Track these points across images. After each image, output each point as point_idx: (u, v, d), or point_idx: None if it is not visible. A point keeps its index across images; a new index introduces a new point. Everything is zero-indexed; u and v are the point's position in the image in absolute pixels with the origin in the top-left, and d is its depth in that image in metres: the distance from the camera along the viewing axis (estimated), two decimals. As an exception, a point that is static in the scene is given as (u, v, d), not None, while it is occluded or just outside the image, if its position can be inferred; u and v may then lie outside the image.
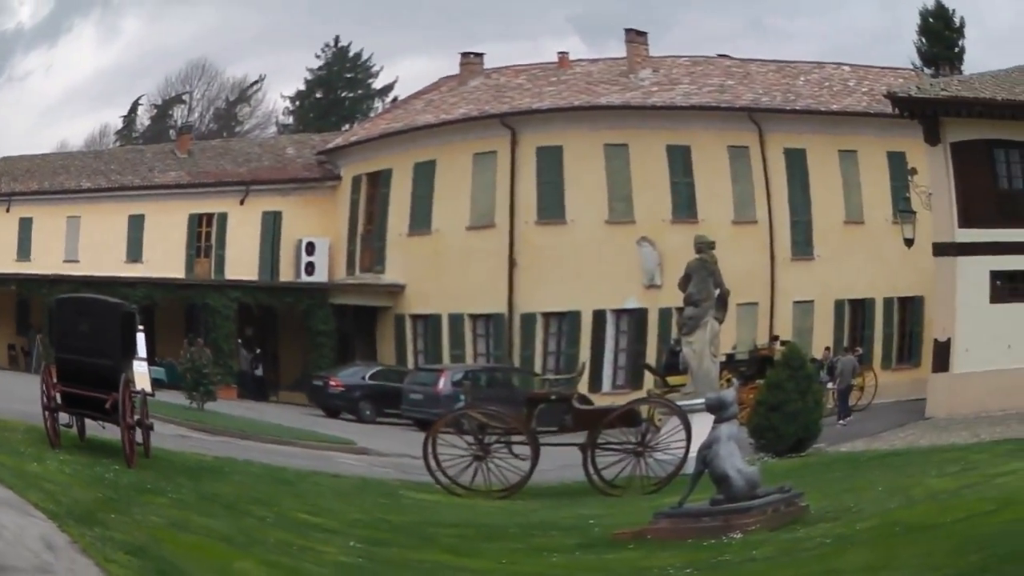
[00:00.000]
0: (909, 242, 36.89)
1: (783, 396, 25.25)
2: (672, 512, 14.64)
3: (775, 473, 19.17)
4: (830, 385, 35.23)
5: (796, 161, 43.51)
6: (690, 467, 16.24)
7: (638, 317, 43.18)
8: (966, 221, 35.97)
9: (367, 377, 41.97)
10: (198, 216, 49.08)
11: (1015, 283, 36.23)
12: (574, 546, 13.93)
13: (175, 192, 49.08)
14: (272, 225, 48.55)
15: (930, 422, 32.65)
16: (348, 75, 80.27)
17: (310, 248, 47.45)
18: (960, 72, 49.35)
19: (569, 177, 43.75)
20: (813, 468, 22.24)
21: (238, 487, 16.19)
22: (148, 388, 18.45)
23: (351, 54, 79.91)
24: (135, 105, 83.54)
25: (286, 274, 47.66)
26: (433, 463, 19.95)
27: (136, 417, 16.37)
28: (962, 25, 62.28)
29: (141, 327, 18.75)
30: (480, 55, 52.25)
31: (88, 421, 17.31)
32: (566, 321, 43.08)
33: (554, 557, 13.09)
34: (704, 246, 23.98)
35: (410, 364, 44.26)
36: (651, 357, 40.17)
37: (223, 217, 48.44)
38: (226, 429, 28.90)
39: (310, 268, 47.60)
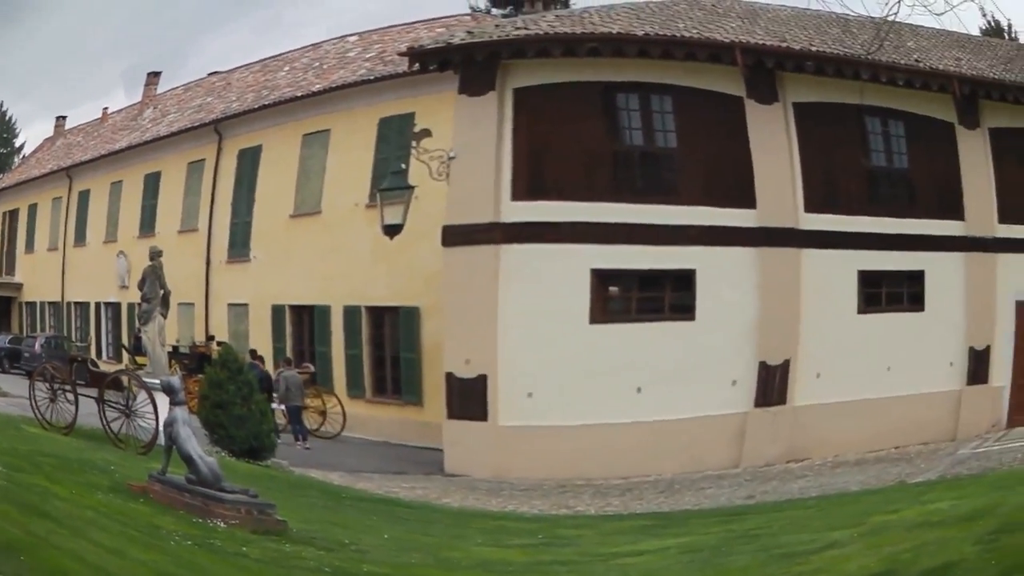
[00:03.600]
0: (392, 230, 28.39)
1: (226, 396, 25.37)
2: (159, 478, 15.95)
3: (239, 474, 19.91)
4: (274, 406, 30.73)
5: (249, 161, 44.08)
6: (163, 439, 17.49)
7: (116, 309, 53.99)
8: (533, 192, 28.43)
9: (7, 342, 56.43)
10: (-67, 235, 69.87)
11: (647, 291, 28.45)
12: (107, 487, 15.59)
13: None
14: (-33, 242, 69.03)
15: (461, 480, 26.74)
16: (4, 135, 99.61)
17: (-17, 260, 67.92)
18: (564, 6, 47.45)
19: (91, 213, 57.22)
20: (279, 484, 21.99)
21: (-58, 427, 20.24)
22: None
23: (6, 117, 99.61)
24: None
25: (-26, 276, 68.16)
26: (34, 403, 24.00)
27: None
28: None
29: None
30: (64, 118, 72.26)
31: None
32: (83, 308, 57.71)
33: (99, 495, 14.77)
34: (155, 254, 26.37)
35: (25, 333, 60.79)
36: (127, 339, 48.39)
37: (-56, 235, 69.06)
38: (-57, 386, 36.45)
39: (-16, 273, 67.87)
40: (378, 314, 36.69)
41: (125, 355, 42.60)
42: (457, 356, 27.88)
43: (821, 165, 28.28)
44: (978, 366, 29.10)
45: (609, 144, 28.73)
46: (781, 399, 27.27)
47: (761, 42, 28.16)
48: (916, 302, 28.79)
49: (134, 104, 62.79)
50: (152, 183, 50.90)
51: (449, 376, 27.83)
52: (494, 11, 51.96)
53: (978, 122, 29.22)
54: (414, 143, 28.30)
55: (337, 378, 37.17)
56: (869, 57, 24.76)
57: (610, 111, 28.67)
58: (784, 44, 28.28)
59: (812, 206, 27.88)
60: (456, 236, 27.93)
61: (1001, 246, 29.38)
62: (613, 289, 27.81)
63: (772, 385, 27.19)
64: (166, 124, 52.43)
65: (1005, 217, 29.53)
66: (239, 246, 43.34)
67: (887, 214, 28.60)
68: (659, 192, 27.97)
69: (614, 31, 27.98)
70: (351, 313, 37.27)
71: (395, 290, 35.00)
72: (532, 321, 27.36)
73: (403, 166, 28.82)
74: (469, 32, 30.60)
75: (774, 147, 27.78)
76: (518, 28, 29.39)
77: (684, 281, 27.44)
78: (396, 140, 34.58)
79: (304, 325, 39.66)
